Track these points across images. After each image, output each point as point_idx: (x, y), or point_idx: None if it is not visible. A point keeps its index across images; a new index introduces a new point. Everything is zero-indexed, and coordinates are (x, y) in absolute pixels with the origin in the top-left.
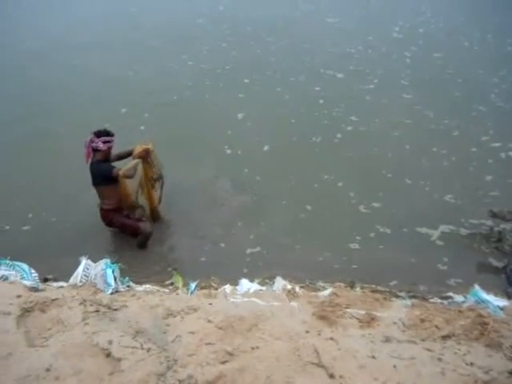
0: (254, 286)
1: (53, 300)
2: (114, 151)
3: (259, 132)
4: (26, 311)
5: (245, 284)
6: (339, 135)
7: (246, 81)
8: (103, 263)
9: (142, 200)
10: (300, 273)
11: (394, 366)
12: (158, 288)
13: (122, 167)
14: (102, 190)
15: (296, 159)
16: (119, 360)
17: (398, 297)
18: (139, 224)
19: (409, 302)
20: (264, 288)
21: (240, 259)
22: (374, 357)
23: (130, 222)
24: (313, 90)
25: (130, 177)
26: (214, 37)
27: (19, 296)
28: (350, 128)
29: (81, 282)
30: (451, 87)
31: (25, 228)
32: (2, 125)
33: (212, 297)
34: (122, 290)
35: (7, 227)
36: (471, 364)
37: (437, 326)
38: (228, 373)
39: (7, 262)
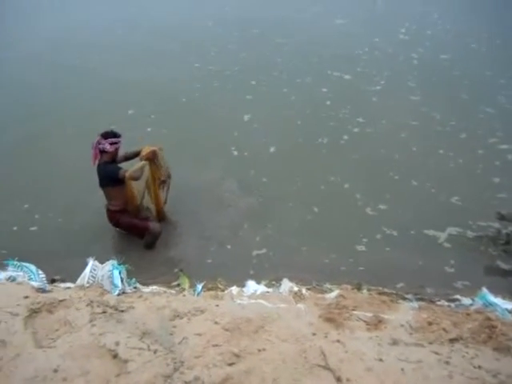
0: (261, 288)
1: (60, 301)
2: (121, 152)
3: (266, 133)
4: (33, 312)
5: (251, 286)
6: (346, 137)
7: (253, 82)
8: (110, 264)
9: (148, 201)
10: (307, 275)
11: (402, 369)
12: (164, 289)
13: (128, 169)
14: (109, 191)
15: (302, 161)
16: (126, 361)
17: (405, 299)
18: (148, 223)
19: (416, 304)
20: (271, 290)
21: (246, 261)
22: (381, 360)
23: (139, 221)
24: (319, 92)
25: (136, 178)
26: (222, 39)
27: (27, 297)
28: (356, 129)
29: (88, 283)
30: (458, 89)
31: (32, 229)
32: (5, 127)
33: (218, 298)
34: (129, 291)
35: (15, 228)
36: (479, 367)
37: (444, 329)
38: (235, 375)
39: (15, 262)
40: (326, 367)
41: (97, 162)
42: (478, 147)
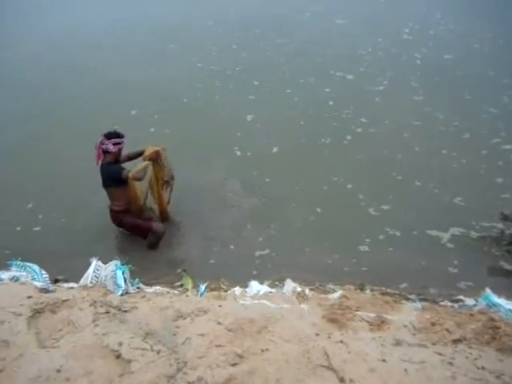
0: (264, 288)
1: (63, 301)
2: (124, 152)
3: (269, 134)
4: (36, 312)
5: (254, 286)
6: (349, 137)
7: (256, 82)
8: (113, 264)
9: (151, 202)
10: (310, 275)
11: (405, 370)
12: (167, 289)
13: (131, 169)
14: (112, 191)
15: (305, 161)
16: (129, 362)
17: (408, 300)
18: (152, 224)
19: (419, 304)
20: (274, 290)
21: (249, 261)
22: (384, 360)
23: (142, 222)
24: (322, 92)
25: (139, 179)
26: (224, 39)
27: (30, 297)
28: (359, 130)
29: (91, 283)
30: (461, 89)
31: (35, 229)
32: (6, 127)
33: (222, 299)
34: (132, 291)
35: (18, 228)
36: (482, 368)
37: (448, 330)
38: (238, 375)
39: (18, 262)
40: (330, 368)
41: (100, 163)
42: (482, 147)
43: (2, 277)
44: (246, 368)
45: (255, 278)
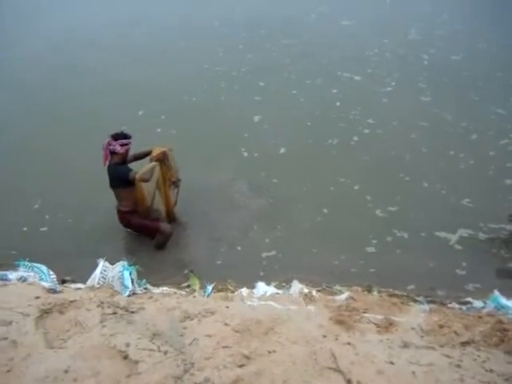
0: (271, 290)
1: (71, 302)
2: (131, 152)
3: (275, 135)
4: (44, 312)
5: (261, 287)
6: (356, 138)
7: (262, 83)
8: (120, 265)
9: (158, 203)
10: (316, 276)
11: (413, 373)
12: (174, 290)
13: (139, 170)
14: (119, 192)
15: (312, 162)
16: (136, 362)
17: (415, 301)
18: (160, 224)
19: (427, 306)
20: (281, 291)
21: (256, 262)
22: (392, 362)
23: (150, 222)
24: (329, 93)
25: (146, 180)
26: (230, 39)
27: (38, 297)
28: (366, 131)
29: (98, 284)
30: (469, 90)
31: (42, 229)
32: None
33: (229, 300)
34: (139, 292)
35: (25, 229)
36: (491, 371)
37: (456, 332)
38: (245, 376)
39: (26, 263)
40: (337, 370)
41: (107, 163)
42: (490, 148)
43: (10, 277)
44: (253, 369)
45: (262, 279)
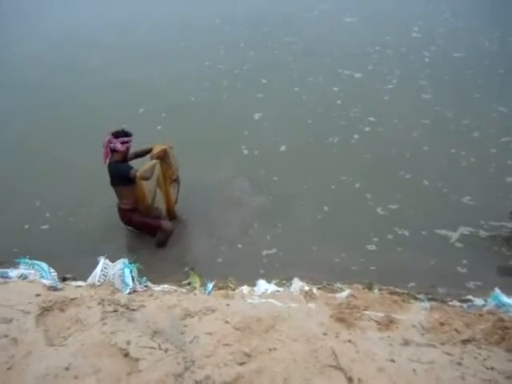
0: (272, 287)
1: (71, 299)
2: (132, 150)
3: (276, 132)
4: (45, 310)
5: (262, 285)
6: (357, 136)
7: (264, 81)
8: (121, 263)
9: (159, 201)
10: (317, 274)
11: (414, 370)
12: (175, 288)
13: (139, 168)
14: (120, 190)
15: (313, 160)
16: (137, 360)
17: (416, 299)
18: (161, 222)
19: (428, 304)
20: (281, 289)
21: (257, 260)
22: (392, 360)
23: (151, 220)
24: (331, 91)
25: (147, 178)
26: (231, 37)
27: (38, 295)
28: (367, 129)
29: (99, 281)
30: (471, 87)
31: (43, 227)
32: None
33: (229, 297)
34: (140, 289)
35: (26, 226)
36: (492, 369)
37: (456, 330)
38: (245, 374)
39: (26, 260)
40: (338, 367)
41: (108, 161)
42: (491, 146)
43: (11, 275)
44: (254, 367)
45: (263, 276)
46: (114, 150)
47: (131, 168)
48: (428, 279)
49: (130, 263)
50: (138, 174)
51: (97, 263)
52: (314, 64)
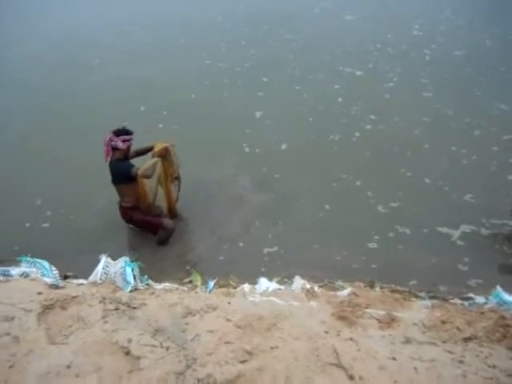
0: (273, 285)
1: (73, 297)
2: (133, 148)
3: (277, 130)
4: (46, 308)
5: (263, 283)
6: (357, 134)
7: (265, 79)
8: (123, 261)
9: (160, 199)
10: (319, 272)
11: (415, 368)
12: (176, 286)
13: (140, 166)
14: (121, 188)
15: (314, 158)
16: (138, 358)
17: (418, 297)
18: (162, 220)
19: (429, 302)
20: (283, 287)
21: (258, 258)
22: (394, 358)
23: (152, 218)
24: (332, 88)
25: (148, 176)
26: (232, 35)
27: (40, 293)
28: (368, 127)
29: (100, 279)
30: (472, 85)
31: (44, 225)
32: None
33: (231, 295)
34: (141, 288)
35: (27, 225)
36: (493, 367)
37: (458, 328)
38: (247, 372)
39: (28, 259)
40: (339, 365)
41: (109, 159)
42: (492, 144)
43: (13, 273)
44: (255, 365)
45: (264, 274)
46: (115, 148)
47: (132, 166)
48: (429, 277)
49: (132, 261)
50: (140, 172)
51: (98, 261)
52: (315, 62)
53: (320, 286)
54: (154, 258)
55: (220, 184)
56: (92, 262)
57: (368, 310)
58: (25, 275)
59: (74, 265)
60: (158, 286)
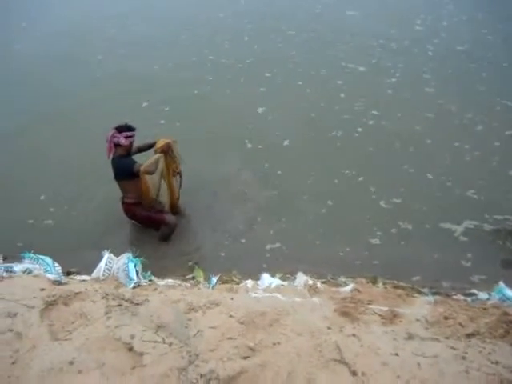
0: (276, 281)
1: (76, 294)
2: (135, 144)
3: (280, 126)
4: (49, 304)
5: (266, 279)
6: (360, 129)
7: (267, 75)
8: (125, 257)
9: (162, 195)
10: (321, 268)
11: (418, 364)
12: (179, 282)
13: (143, 162)
14: (124, 184)
15: (316, 154)
16: (141, 354)
17: (420, 293)
18: (165, 216)
19: (432, 298)
20: (285, 283)
21: (261, 254)
22: (397, 354)
23: (155, 214)
24: (334, 84)
25: (150, 173)
26: (235, 31)
27: (43, 289)
28: (371, 122)
29: (103, 275)
30: (475, 81)
31: (47, 222)
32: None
33: (233, 291)
34: (144, 284)
35: (30, 221)
36: (496, 363)
37: (460, 324)
38: (249, 368)
39: (31, 255)
40: (342, 361)
41: (111, 156)
42: (495, 140)
43: (16, 269)
44: (258, 361)
45: (266, 270)
46: (117, 145)
47: (135, 162)
48: (432, 273)
49: (135, 257)
50: (142, 169)
51: (101, 257)
52: (318, 57)
53: (323, 282)
54: (156, 254)
55: (222, 180)
56: (95, 259)
57: (371, 306)
58: (28, 271)
59: (77, 261)
60: (161, 282)
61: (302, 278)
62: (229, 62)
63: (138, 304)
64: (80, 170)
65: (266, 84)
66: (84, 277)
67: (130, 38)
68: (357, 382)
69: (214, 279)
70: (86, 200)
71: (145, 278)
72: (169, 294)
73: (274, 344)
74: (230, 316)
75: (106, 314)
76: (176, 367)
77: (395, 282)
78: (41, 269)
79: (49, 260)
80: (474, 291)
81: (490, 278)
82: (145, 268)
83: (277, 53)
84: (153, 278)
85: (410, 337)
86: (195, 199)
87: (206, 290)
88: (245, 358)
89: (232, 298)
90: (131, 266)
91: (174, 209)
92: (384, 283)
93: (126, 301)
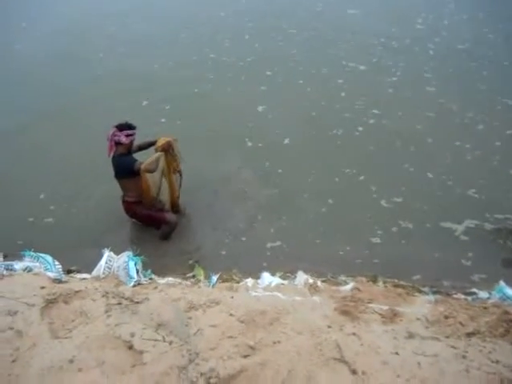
0: (276, 280)
1: (76, 292)
2: (136, 143)
3: (280, 125)
4: (49, 302)
5: (266, 278)
6: (361, 128)
7: (268, 73)
8: (126, 256)
9: (163, 193)
10: (322, 267)
11: (418, 363)
12: (179, 280)
13: (144, 160)
14: (124, 183)
15: (317, 152)
16: (141, 353)
17: (421, 292)
18: (165, 214)
19: (432, 297)
20: (286, 282)
21: (261, 253)
22: (397, 353)
23: (155, 212)
24: (335, 83)
25: (151, 171)
26: (236, 29)
27: (43, 287)
28: (371, 121)
29: (103, 274)
30: (476, 80)
31: (48, 220)
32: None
33: (234, 290)
34: (144, 282)
35: (31, 219)
36: (496, 362)
37: (461, 323)
38: (250, 367)
39: (31, 253)
40: (342, 360)
41: (112, 154)
42: (496, 139)
43: (16, 267)
44: (258, 360)
45: (267, 269)
46: (118, 143)
47: (135, 161)
48: (433, 272)
49: (135, 256)
50: (143, 167)
51: (101, 256)
52: (318, 56)
53: (323, 281)
54: (156, 253)
55: (223, 178)
56: (95, 257)
57: (371, 305)
58: (28, 270)
59: (77, 259)
60: (161, 281)
61: (302, 277)
62: (229, 61)
63: (138, 302)
64: (80, 168)
65: (267, 82)
66: (84, 275)
67: (131, 36)
68: (357, 381)
69: (215, 278)
70: (86, 198)
71: (145, 276)
72: (169, 292)
73: (274, 343)
74: (231, 315)
75: (106, 312)
76: (176, 366)
77: (396, 280)
78: (41, 267)
79: (49, 258)
80: (475, 290)
81: (490, 277)
82: (145, 266)
83: (277, 51)
84: (153, 276)
85: (411, 336)
86: (196, 198)
87: (206, 288)
88: (245, 356)
89: (232, 297)
90: (131, 264)
91: (175, 207)
92: (384, 282)
93: (126, 299)
